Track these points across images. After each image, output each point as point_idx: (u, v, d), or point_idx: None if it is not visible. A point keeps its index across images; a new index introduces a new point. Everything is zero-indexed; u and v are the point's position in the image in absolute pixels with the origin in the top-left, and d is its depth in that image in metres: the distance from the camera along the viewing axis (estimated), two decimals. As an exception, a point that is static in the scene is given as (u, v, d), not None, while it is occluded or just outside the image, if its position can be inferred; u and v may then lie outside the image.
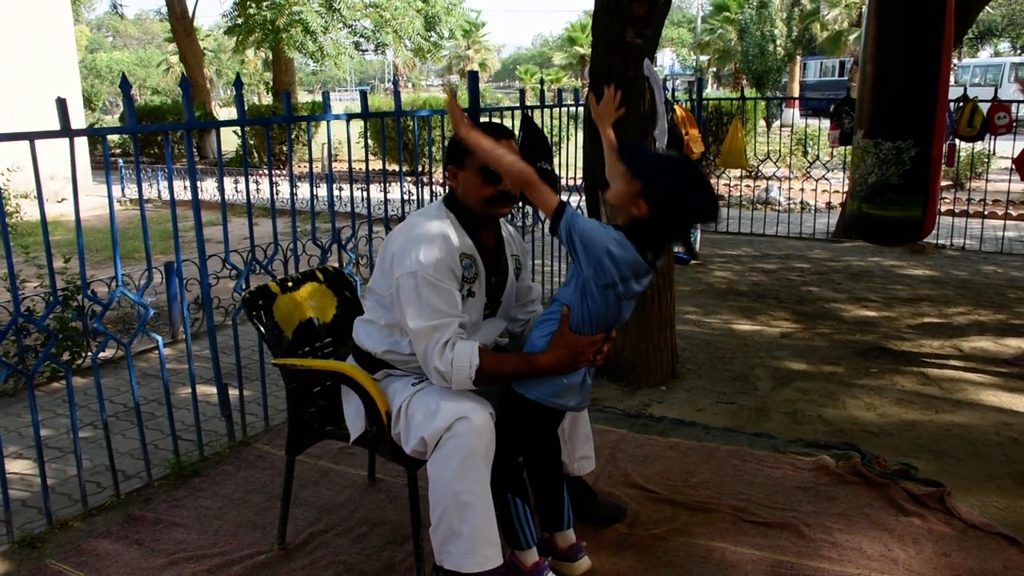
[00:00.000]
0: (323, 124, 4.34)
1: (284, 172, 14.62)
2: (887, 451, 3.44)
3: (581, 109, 5.38)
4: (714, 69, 35.28)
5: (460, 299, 2.39)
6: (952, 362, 4.55)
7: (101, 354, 4.96)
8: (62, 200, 11.20)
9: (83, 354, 4.78)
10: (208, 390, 4.00)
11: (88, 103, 32.83)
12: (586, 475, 2.96)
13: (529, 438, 2.54)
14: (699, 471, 3.30)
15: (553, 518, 2.61)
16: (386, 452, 2.55)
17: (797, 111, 21.80)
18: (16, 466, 3.58)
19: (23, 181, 8.12)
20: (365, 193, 4.49)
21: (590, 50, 4.42)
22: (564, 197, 2.53)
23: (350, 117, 4.14)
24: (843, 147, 7.13)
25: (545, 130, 5.35)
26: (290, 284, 2.91)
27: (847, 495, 3.10)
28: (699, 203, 2.24)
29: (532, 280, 2.86)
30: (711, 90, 30.86)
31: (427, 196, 5.06)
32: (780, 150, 10.23)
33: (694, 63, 39.21)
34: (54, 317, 4.32)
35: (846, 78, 28.13)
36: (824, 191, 10.00)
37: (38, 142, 2.84)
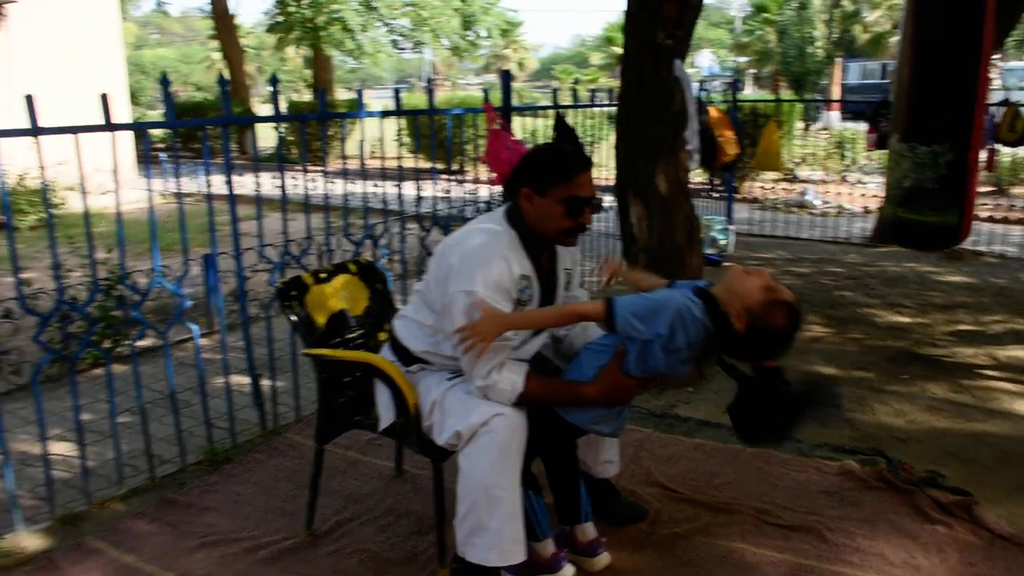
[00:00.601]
0: (362, 122, 4.41)
1: (321, 168, 14.77)
2: (915, 458, 3.41)
3: (614, 108, 5.38)
4: (753, 71, 35.00)
5: None
6: (986, 371, 4.50)
7: (141, 343, 5.08)
8: (106, 193, 11.43)
9: (123, 342, 4.90)
10: (242, 380, 4.09)
11: (134, 98, 33.39)
12: (611, 476, 2.96)
13: (553, 447, 2.58)
14: (723, 472, 3.32)
15: (570, 511, 2.64)
16: (412, 443, 2.60)
17: (838, 114, 21.53)
18: (59, 448, 3.70)
19: (71, 174, 8.29)
20: (399, 190, 4.55)
21: (624, 51, 4.44)
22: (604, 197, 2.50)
23: (384, 114, 4.20)
24: (881, 151, 7.06)
25: (580, 130, 5.37)
26: (323, 275, 2.96)
27: (871, 501, 3.09)
28: (771, 353, 2.25)
29: (578, 287, 2.82)
30: (750, 92, 30.58)
31: (464, 195, 5.08)
32: (816, 153, 10.14)
33: (733, 64, 38.88)
34: (96, 305, 4.44)
35: (888, 80, 27.70)
36: (862, 195, 9.90)
37: (85, 137, 2.95)
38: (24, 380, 4.53)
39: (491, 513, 2.32)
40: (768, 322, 2.16)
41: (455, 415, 2.39)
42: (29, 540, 2.89)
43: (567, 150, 2.47)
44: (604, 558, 2.65)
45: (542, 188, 2.38)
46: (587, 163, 2.43)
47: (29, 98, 2.80)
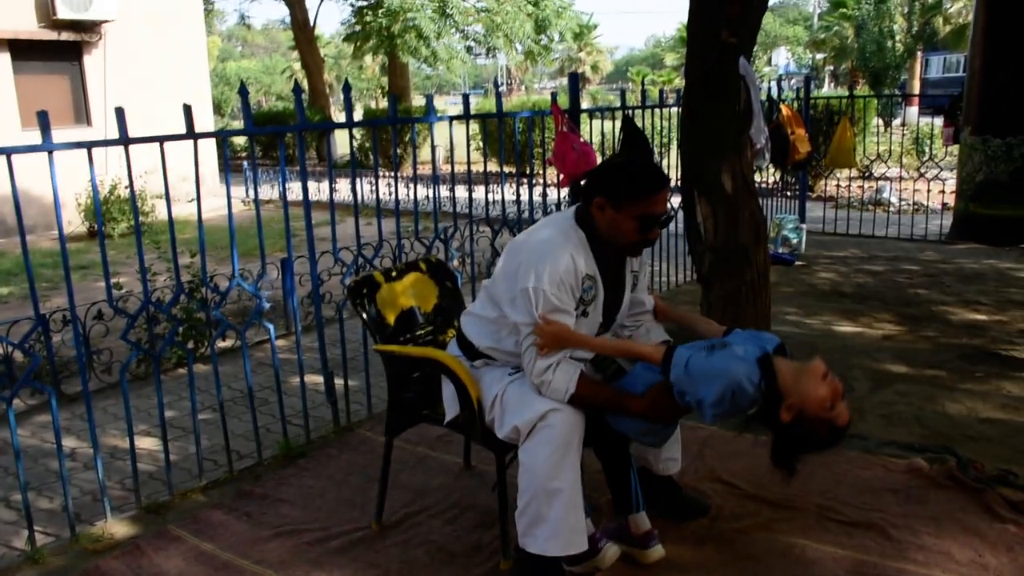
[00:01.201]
0: (436, 127, 4.52)
1: (394, 174, 15.05)
2: (987, 457, 3.34)
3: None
4: (830, 67, 34.15)
5: (575, 319, 2.44)
6: (1067, 369, 4.35)
7: (221, 343, 5.31)
8: (192, 200, 11.91)
9: (206, 343, 5.13)
10: (316, 379, 4.24)
11: (218, 109, 34.54)
12: (672, 473, 2.98)
13: (605, 440, 2.64)
14: (786, 469, 3.30)
15: (623, 502, 2.68)
16: (476, 436, 2.68)
17: (916, 109, 20.89)
18: (144, 443, 3.92)
19: (159, 183, 8.70)
20: (470, 194, 4.67)
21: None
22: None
23: (452, 118, 4.31)
24: (957, 145, 6.88)
25: (653, 132, 5.36)
26: (394, 274, 3.05)
27: (939, 499, 3.04)
28: (800, 449, 2.26)
29: (644, 290, 2.84)
30: (828, 89, 29.83)
31: (534, 198, 5.13)
32: (891, 149, 9.88)
33: (810, 61, 38.00)
34: (180, 308, 4.67)
35: (974, 74, 26.65)
36: (940, 191, 9.63)
37: (172, 146, 3.14)
38: (114, 379, 4.81)
39: (550, 505, 2.38)
40: (813, 428, 2.18)
41: (513, 410, 2.47)
42: (117, 527, 3.09)
43: (647, 166, 2.49)
44: (657, 550, 2.66)
45: (618, 202, 2.41)
46: (666, 182, 2.46)
47: (119, 110, 2.98)
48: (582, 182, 2.57)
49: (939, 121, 12.79)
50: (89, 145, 2.95)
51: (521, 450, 2.44)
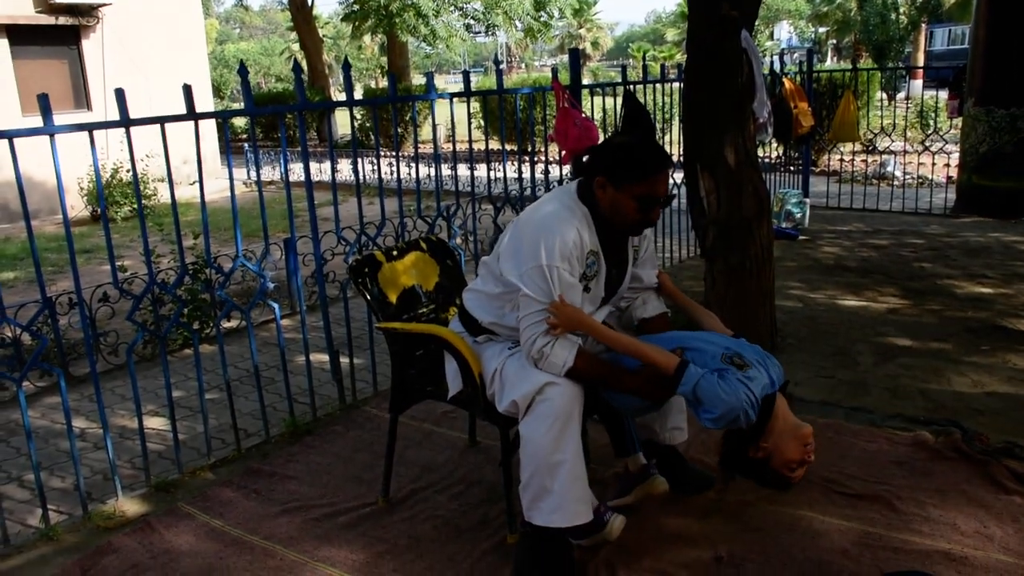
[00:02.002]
0: (437, 106, 4.50)
1: (395, 153, 15.01)
2: (992, 429, 3.34)
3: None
4: (833, 41, 33.86)
5: (579, 293, 2.44)
6: (1073, 341, 4.35)
7: (226, 324, 5.33)
8: (194, 183, 11.90)
9: (211, 323, 5.15)
10: (321, 358, 4.26)
11: (217, 91, 34.42)
12: (678, 443, 3.00)
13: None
14: (792, 442, 3.31)
15: (622, 445, 2.83)
16: (479, 412, 2.69)
17: (920, 82, 20.74)
18: (153, 423, 3.95)
19: (161, 166, 8.73)
20: (471, 172, 4.67)
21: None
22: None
23: (452, 96, 4.29)
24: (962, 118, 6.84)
25: (655, 107, 5.33)
26: (395, 253, 3.07)
27: (944, 471, 3.05)
28: (749, 476, 2.39)
29: (650, 266, 2.81)
30: (831, 63, 29.60)
31: (536, 175, 5.12)
32: (895, 123, 9.83)
33: (812, 35, 37.68)
34: (185, 289, 4.68)
35: (979, 46, 26.40)
36: (945, 165, 9.59)
37: (173, 129, 3.13)
38: (121, 360, 4.83)
39: (553, 477, 2.39)
40: (769, 473, 2.34)
41: (512, 384, 2.47)
42: (128, 505, 3.12)
43: (649, 146, 2.47)
44: (660, 480, 2.80)
45: (618, 182, 2.40)
46: (667, 163, 2.44)
47: (119, 91, 2.97)
48: (584, 158, 2.56)
49: (944, 94, 12.71)
50: (91, 127, 2.94)
51: (521, 424, 2.45)
